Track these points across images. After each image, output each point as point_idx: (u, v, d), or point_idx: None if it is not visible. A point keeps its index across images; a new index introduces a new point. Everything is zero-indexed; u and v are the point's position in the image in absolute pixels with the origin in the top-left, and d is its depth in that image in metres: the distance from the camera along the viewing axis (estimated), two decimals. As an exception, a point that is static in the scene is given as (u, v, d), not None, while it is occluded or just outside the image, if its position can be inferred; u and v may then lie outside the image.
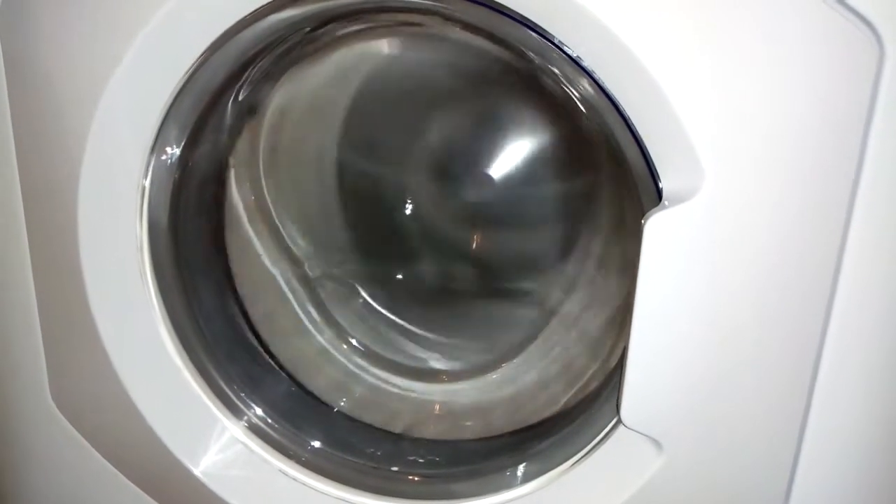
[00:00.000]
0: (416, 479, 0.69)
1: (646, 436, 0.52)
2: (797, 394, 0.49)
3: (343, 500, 0.65)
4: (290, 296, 0.77)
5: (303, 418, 0.72)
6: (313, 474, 0.66)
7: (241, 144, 0.71)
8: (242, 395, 0.69)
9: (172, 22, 0.53)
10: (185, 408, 0.66)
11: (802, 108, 0.44)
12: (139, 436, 0.65)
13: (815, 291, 0.47)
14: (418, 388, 0.77)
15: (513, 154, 0.72)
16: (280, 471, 0.66)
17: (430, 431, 0.74)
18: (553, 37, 0.48)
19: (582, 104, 0.55)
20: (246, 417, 0.68)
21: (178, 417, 0.66)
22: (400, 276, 0.81)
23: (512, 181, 0.72)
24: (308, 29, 0.62)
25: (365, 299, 0.81)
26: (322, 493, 0.66)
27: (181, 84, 0.56)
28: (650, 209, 0.48)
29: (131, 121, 0.57)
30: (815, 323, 0.47)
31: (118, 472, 0.69)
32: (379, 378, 0.78)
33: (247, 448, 0.67)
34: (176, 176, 0.63)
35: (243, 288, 0.74)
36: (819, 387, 0.49)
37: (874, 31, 0.42)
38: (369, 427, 0.74)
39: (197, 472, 0.65)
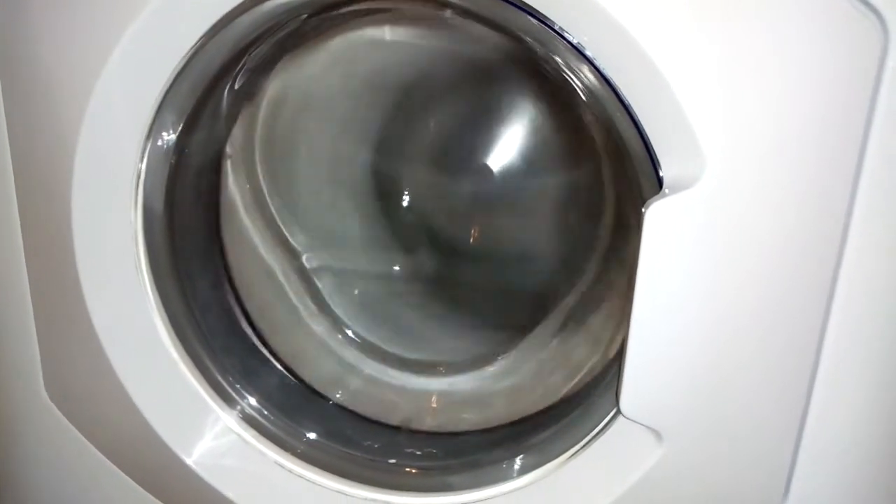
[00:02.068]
0: (413, 471, 0.69)
1: (645, 426, 0.52)
2: (797, 384, 0.49)
3: (339, 492, 0.65)
4: (286, 286, 0.77)
5: (298, 410, 0.71)
6: (309, 466, 0.66)
7: (238, 133, 0.71)
8: (238, 386, 0.69)
9: (170, 6, 0.52)
10: (179, 398, 0.66)
11: (805, 94, 0.43)
12: (133, 427, 0.64)
13: (817, 280, 0.47)
14: (415, 380, 0.77)
15: (512, 144, 0.72)
16: (276, 462, 0.66)
17: (428, 424, 0.74)
18: (554, 23, 0.48)
19: (583, 92, 0.54)
20: (240, 408, 0.68)
21: (172, 408, 0.65)
22: (397, 268, 0.81)
23: (511, 172, 0.72)
24: (306, 15, 0.61)
25: (361, 291, 0.81)
26: (318, 484, 0.65)
27: (178, 69, 0.56)
28: (651, 197, 0.47)
29: (127, 105, 0.57)
30: (816, 312, 0.47)
31: (113, 465, 0.69)
32: (375, 370, 0.77)
33: (241, 439, 0.66)
34: (172, 162, 0.63)
35: (239, 278, 0.74)
36: (820, 377, 0.48)
37: (879, 17, 0.41)
38: (366, 419, 0.74)
39: (190, 461, 0.65)
